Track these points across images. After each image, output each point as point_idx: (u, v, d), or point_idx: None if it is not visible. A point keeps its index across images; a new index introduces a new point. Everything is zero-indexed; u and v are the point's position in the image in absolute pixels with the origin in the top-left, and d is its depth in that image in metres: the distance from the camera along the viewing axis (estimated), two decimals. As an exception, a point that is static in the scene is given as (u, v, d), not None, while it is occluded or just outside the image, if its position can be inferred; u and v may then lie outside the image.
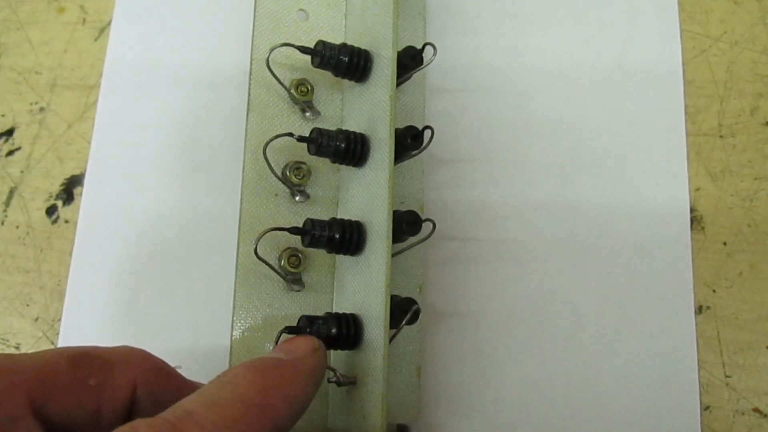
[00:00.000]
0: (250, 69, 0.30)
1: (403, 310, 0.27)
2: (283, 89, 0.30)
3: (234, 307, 0.28)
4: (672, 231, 0.33)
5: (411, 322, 0.27)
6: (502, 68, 0.36)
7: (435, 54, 0.30)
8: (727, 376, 0.31)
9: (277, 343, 0.26)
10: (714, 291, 0.32)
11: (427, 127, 0.29)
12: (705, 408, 0.31)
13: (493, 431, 0.31)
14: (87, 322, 0.34)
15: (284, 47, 0.29)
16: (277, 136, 0.28)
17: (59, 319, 0.35)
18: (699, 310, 0.32)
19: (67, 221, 0.36)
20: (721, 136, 0.34)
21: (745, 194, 0.33)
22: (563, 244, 0.33)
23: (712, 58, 0.35)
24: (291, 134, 0.28)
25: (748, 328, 0.31)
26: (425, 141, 0.29)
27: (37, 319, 0.35)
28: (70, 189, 0.37)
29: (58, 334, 0.35)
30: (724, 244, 0.32)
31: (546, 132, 0.35)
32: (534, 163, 0.34)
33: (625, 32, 0.36)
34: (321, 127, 0.29)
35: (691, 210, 0.33)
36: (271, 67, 0.28)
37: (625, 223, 0.33)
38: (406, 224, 0.28)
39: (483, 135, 0.35)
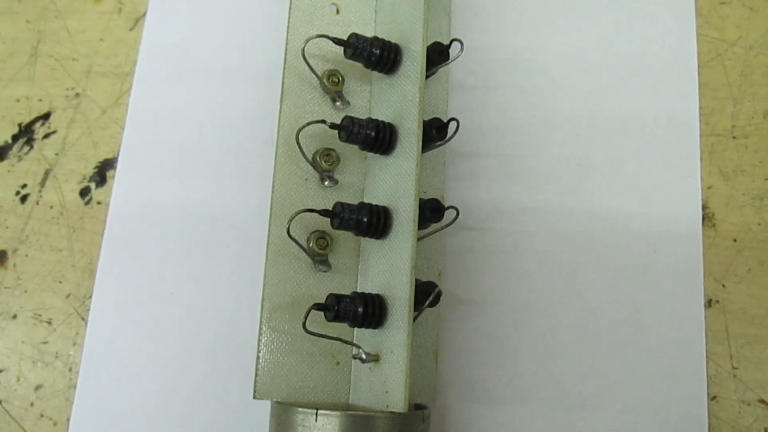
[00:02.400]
0: (285, 59, 0.31)
1: (425, 293, 0.29)
2: (315, 79, 0.31)
3: (264, 285, 0.29)
4: (684, 227, 0.34)
5: (433, 304, 0.29)
6: (522, 66, 0.37)
7: (462, 50, 0.31)
8: (734, 368, 0.32)
9: (306, 319, 0.27)
10: (723, 286, 0.33)
11: (453, 119, 0.30)
12: (712, 398, 0.32)
13: (505, 416, 0.33)
14: (116, 300, 0.36)
15: (317, 39, 0.30)
16: (310, 123, 0.29)
17: (90, 297, 0.36)
18: (708, 303, 0.33)
19: (99, 203, 0.38)
20: (733, 137, 0.35)
21: (755, 193, 0.34)
22: (578, 237, 0.34)
23: (727, 61, 0.36)
24: (324, 121, 0.29)
25: (756, 323, 0.32)
26: (450, 133, 0.31)
27: (68, 296, 0.36)
28: (103, 172, 0.38)
29: (88, 310, 0.36)
30: (735, 240, 0.34)
31: (564, 129, 0.36)
32: (551, 159, 0.36)
33: (642, 34, 0.37)
34: (350, 116, 0.30)
35: (703, 207, 0.34)
36: (305, 57, 0.30)
37: (639, 218, 0.34)
38: (430, 211, 0.30)
39: (502, 130, 0.36)
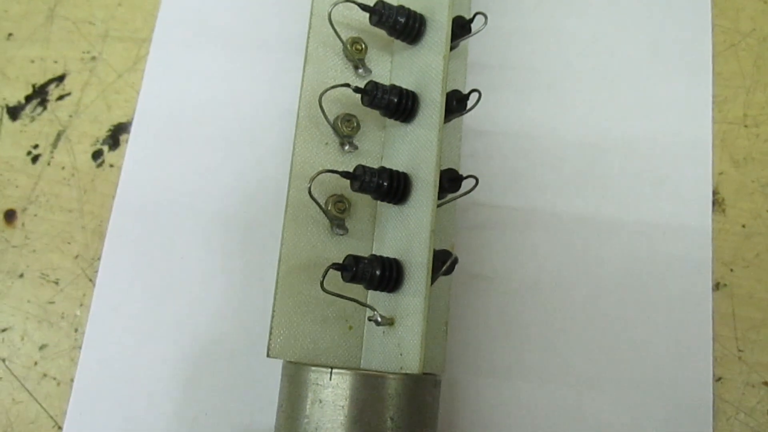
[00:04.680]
0: (310, 23, 0.31)
1: (440, 260, 0.29)
2: (338, 46, 0.31)
3: (281, 246, 0.29)
4: (694, 211, 0.34)
5: (448, 271, 0.29)
6: (539, 49, 0.38)
7: (485, 23, 0.31)
8: (740, 351, 0.33)
9: (323, 279, 0.27)
10: (731, 270, 0.33)
11: (475, 90, 0.30)
12: (717, 379, 0.32)
13: (512, 391, 0.33)
14: (125, 262, 0.36)
15: (340, 7, 0.31)
16: (334, 86, 0.29)
17: (98, 258, 0.36)
18: (716, 287, 0.33)
19: (111, 166, 0.38)
20: (745, 126, 0.35)
21: (765, 181, 0.34)
22: (590, 217, 0.35)
23: (741, 52, 0.37)
24: (348, 85, 0.29)
25: (762, 307, 0.33)
26: (470, 105, 0.31)
27: (77, 256, 0.36)
28: (116, 135, 0.38)
29: (96, 272, 0.36)
30: (743, 226, 0.34)
31: (578, 111, 0.36)
32: (565, 140, 0.36)
33: (658, 22, 0.37)
34: (374, 81, 0.30)
35: (714, 193, 0.35)
36: (332, 22, 0.30)
37: (650, 201, 0.35)
38: (448, 180, 0.30)
39: (517, 110, 0.37)
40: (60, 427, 0.34)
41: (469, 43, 0.35)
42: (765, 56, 0.36)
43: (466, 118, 0.33)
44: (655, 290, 0.34)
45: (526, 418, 0.33)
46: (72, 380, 0.34)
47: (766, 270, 0.33)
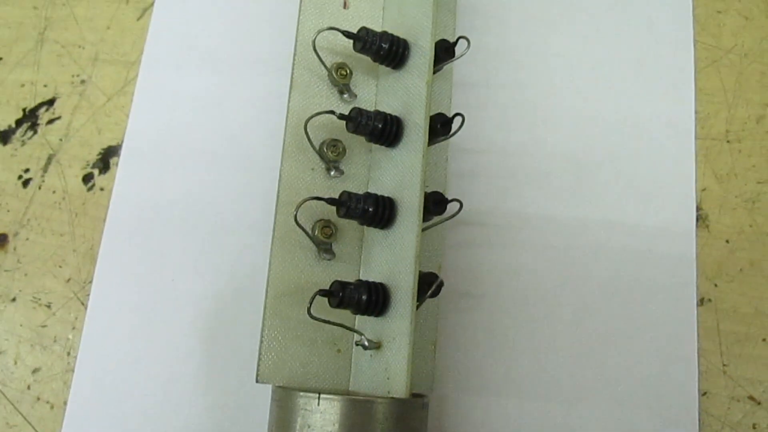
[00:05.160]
0: (295, 50, 0.31)
1: (427, 283, 0.29)
2: (323, 71, 0.32)
3: (269, 272, 0.29)
4: (678, 227, 0.35)
5: (434, 294, 0.29)
6: (524, 68, 0.38)
7: (468, 47, 0.31)
8: (725, 365, 0.33)
9: (311, 304, 0.27)
10: (715, 285, 0.34)
11: (458, 114, 0.31)
12: (703, 394, 0.33)
13: (501, 408, 0.33)
14: (117, 286, 0.36)
15: (325, 33, 0.31)
16: (320, 113, 0.29)
17: (90, 282, 0.36)
18: (701, 302, 0.34)
19: (102, 189, 0.38)
20: (728, 141, 0.36)
21: (748, 196, 0.35)
22: (575, 234, 0.35)
23: (723, 68, 0.37)
24: (332, 112, 0.29)
25: (746, 321, 0.33)
26: (454, 128, 0.31)
27: (69, 280, 0.37)
28: (106, 158, 0.38)
29: (88, 295, 0.36)
30: (727, 241, 0.34)
31: (563, 129, 0.37)
32: (551, 157, 0.36)
33: (642, 39, 0.38)
34: (358, 108, 0.30)
35: (698, 208, 0.35)
36: (316, 49, 0.30)
37: (635, 217, 0.35)
38: (433, 203, 0.30)
39: (503, 128, 0.37)
40: (54, 451, 0.34)
41: (455, 63, 0.36)
42: (747, 72, 0.37)
43: (453, 137, 0.33)
44: (641, 306, 0.34)
45: (515, 433, 0.33)
46: (65, 403, 0.34)
47: (749, 284, 0.34)
